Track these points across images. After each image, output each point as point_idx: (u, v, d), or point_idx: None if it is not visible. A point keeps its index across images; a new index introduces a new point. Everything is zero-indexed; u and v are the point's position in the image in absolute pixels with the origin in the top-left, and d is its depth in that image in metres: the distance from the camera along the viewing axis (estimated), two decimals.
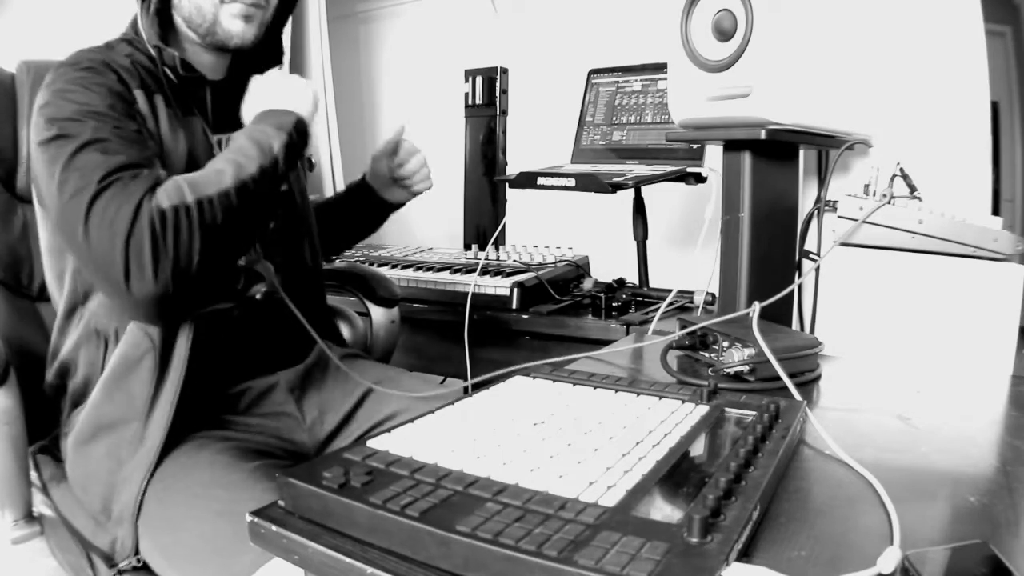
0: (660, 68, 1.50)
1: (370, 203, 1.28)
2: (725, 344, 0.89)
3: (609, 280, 1.56)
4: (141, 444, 0.86)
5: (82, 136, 0.78)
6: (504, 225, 1.85)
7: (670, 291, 1.27)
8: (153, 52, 0.91)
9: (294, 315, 1.00)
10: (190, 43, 0.97)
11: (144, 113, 0.88)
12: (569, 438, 0.58)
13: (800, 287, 1.10)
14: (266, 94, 0.92)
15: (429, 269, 1.53)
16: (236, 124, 0.99)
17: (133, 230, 0.74)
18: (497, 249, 1.66)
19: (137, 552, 0.85)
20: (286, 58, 1.22)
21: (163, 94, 0.91)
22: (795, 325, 1.12)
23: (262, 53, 1.01)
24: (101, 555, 0.87)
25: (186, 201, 0.77)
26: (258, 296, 0.98)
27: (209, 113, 0.97)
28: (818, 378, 0.88)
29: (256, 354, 1.00)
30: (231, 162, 0.83)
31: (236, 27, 0.92)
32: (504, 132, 1.91)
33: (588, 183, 1.34)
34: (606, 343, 1.14)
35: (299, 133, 0.90)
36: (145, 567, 0.86)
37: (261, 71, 1.04)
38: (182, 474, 0.85)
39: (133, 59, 0.92)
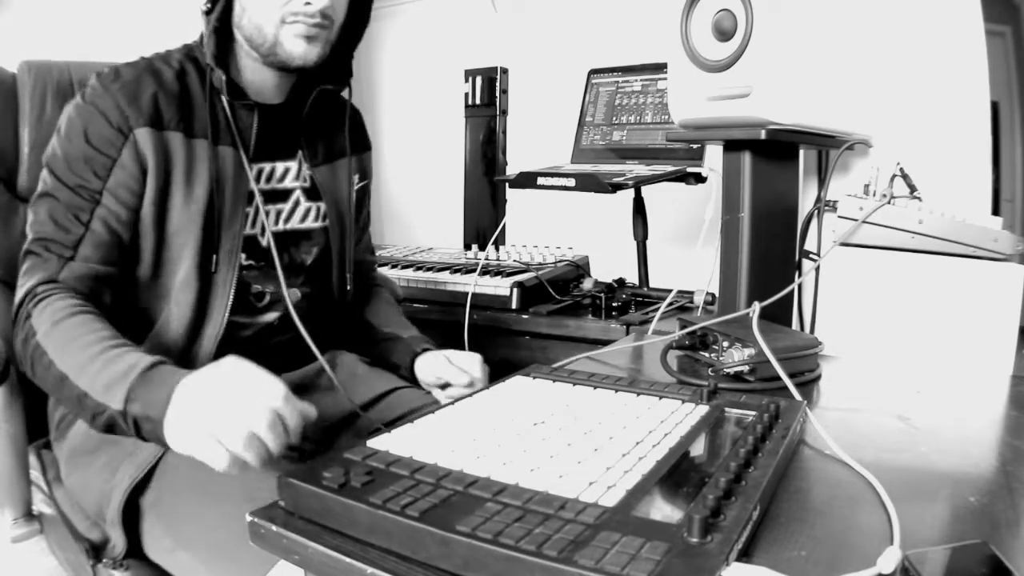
0: (660, 68, 1.50)
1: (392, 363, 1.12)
2: (725, 344, 0.89)
3: (609, 280, 1.56)
4: (136, 454, 0.86)
5: (48, 184, 0.85)
6: (504, 225, 1.85)
7: (670, 291, 1.27)
8: (206, 71, 0.90)
9: (313, 328, 1.01)
10: (251, 61, 0.93)
11: (137, 159, 0.84)
12: (569, 438, 0.58)
13: (800, 287, 1.10)
14: (215, 381, 0.70)
15: (429, 269, 1.53)
16: (284, 152, 0.98)
17: (19, 309, 0.82)
18: (497, 249, 1.66)
19: (127, 555, 0.85)
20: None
21: (187, 124, 0.87)
22: (795, 325, 1.12)
23: (330, 72, 0.97)
24: (96, 548, 0.88)
25: (36, 334, 0.78)
26: (275, 323, 0.99)
27: (252, 140, 0.93)
28: (818, 378, 0.88)
29: (271, 362, 0.99)
30: (82, 359, 0.75)
31: (298, 48, 0.88)
32: (504, 132, 1.91)
33: (588, 183, 1.34)
34: (606, 343, 1.14)
35: (153, 426, 0.70)
36: (147, 563, 0.86)
37: (327, 91, 1.01)
38: (191, 465, 0.85)
39: (182, 71, 0.89)
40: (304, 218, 1.01)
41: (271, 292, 0.98)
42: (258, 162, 0.95)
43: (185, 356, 0.90)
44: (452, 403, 0.69)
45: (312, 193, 1.01)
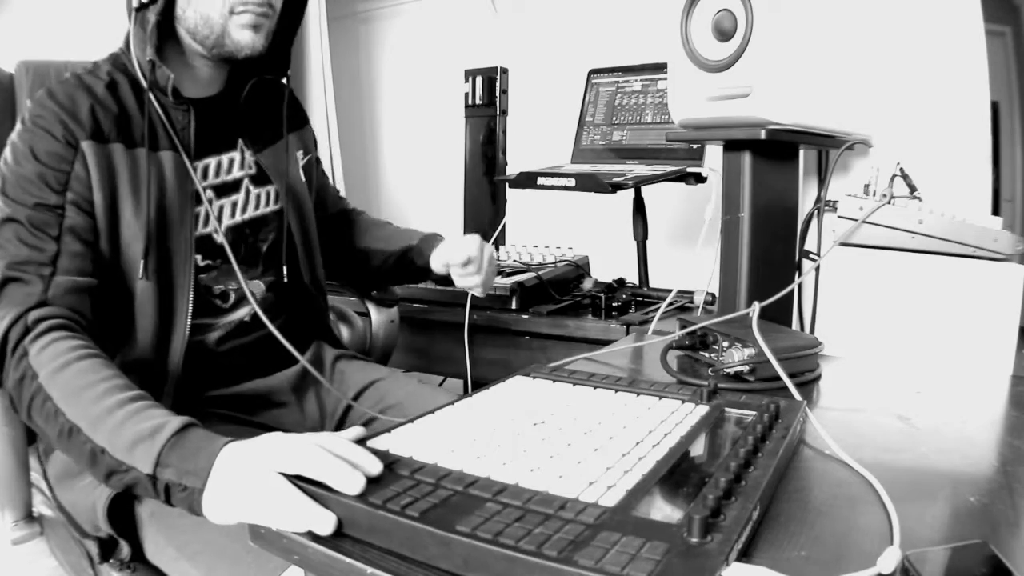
0: (660, 68, 1.50)
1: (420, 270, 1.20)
2: (725, 344, 0.89)
3: (609, 280, 1.56)
4: None
5: (8, 209, 0.82)
6: (504, 225, 1.85)
7: (670, 291, 1.26)
8: (146, 69, 0.87)
9: (289, 320, 1.00)
10: (191, 55, 0.93)
11: (87, 172, 0.83)
12: (569, 438, 0.58)
13: (800, 287, 1.10)
14: (256, 448, 0.61)
15: None
16: (224, 144, 0.97)
17: (5, 340, 0.76)
18: (497, 249, 1.66)
19: (133, 558, 0.85)
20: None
21: (125, 135, 0.87)
22: (795, 325, 1.12)
23: (267, 62, 0.98)
24: (105, 547, 0.87)
25: (38, 377, 0.73)
26: (246, 319, 0.98)
27: (191, 139, 0.92)
28: (818, 378, 0.88)
29: (250, 362, 1.00)
30: (98, 411, 0.69)
31: (246, 38, 0.89)
32: (504, 132, 1.90)
33: (588, 183, 1.34)
34: (606, 343, 1.14)
35: (179, 493, 0.64)
36: (145, 567, 0.86)
37: (265, 80, 1.02)
38: None
39: (112, 82, 0.88)
40: (257, 205, 1.01)
41: (234, 289, 0.97)
42: (202, 159, 0.94)
43: (156, 365, 0.89)
44: (452, 403, 0.69)
45: (259, 179, 1.01)
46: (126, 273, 0.87)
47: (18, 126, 0.85)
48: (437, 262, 1.14)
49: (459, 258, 1.09)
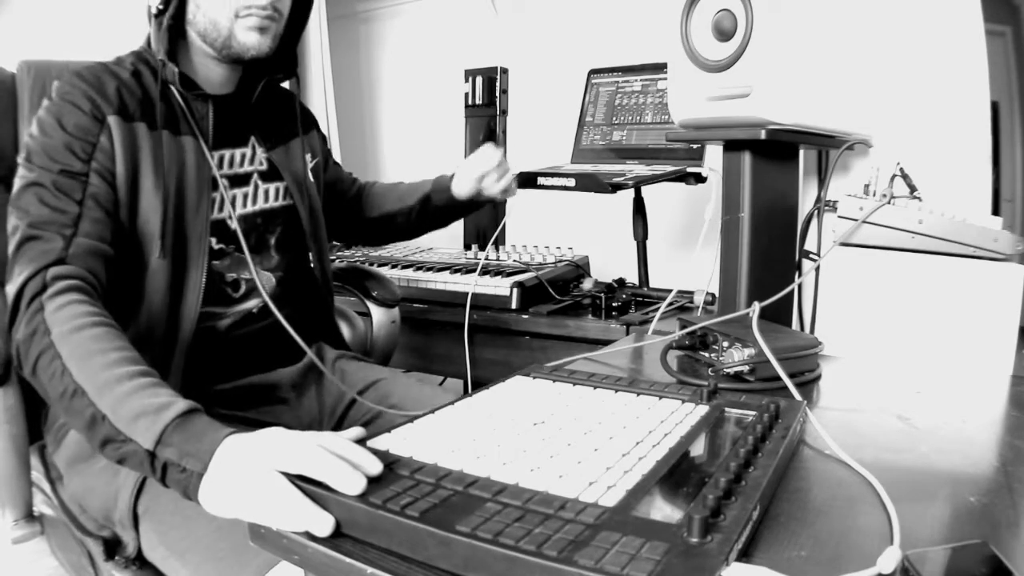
0: (660, 68, 1.50)
1: (455, 208, 1.32)
2: (725, 344, 0.89)
3: (609, 280, 1.56)
4: None
5: (31, 174, 0.83)
6: (504, 225, 1.85)
7: (670, 291, 1.26)
8: (158, 66, 0.92)
9: (296, 315, 1.01)
10: (203, 56, 0.96)
11: (111, 145, 0.86)
12: (569, 438, 0.59)
13: (800, 287, 1.10)
14: (259, 443, 0.60)
15: (429, 269, 1.53)
16: (237, 139, 1.01)
17: (21, 294, 0.77)
18: (497, 249, 1.66)
19: (140, 554, 0.85)
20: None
21: (149, 117, 0.90)
22: (795, 325, 1.12)
23: (275, 63, 1.01)
24: (110, 545, 0.87)
25: (50, 333, 0.73)
26: (254, 310, 1.00)
27: (210, 129, 0.96)
28: (818, 378, 0.88)
29: (255, 354, 1.00)
30: (106, 378, 0.69)
31: (252, 39, 0.92)
32: (504, 132, 1.91)
33: (588, 183, 1.34)
34: (606, 343, 1.14)
35: (178, 471, 0.63)
36: (148, 565, 0.86)
37: (273, 81, 1.05)
38: None
39: (136, 71, 0.92)
40: (266, 199, 1.04)
41: (246, 280, 0.99)
42: (217, 150, 0.98)
43: (165, 343, 0.90)
44: (452, 403, 0.69)
45: (269, 175, 1.04)
46: (142, 247, 0.89)
47: (44, 102, 0.88)
48: (462, 186, 1.25)
49: (484, 166, 1.23)
